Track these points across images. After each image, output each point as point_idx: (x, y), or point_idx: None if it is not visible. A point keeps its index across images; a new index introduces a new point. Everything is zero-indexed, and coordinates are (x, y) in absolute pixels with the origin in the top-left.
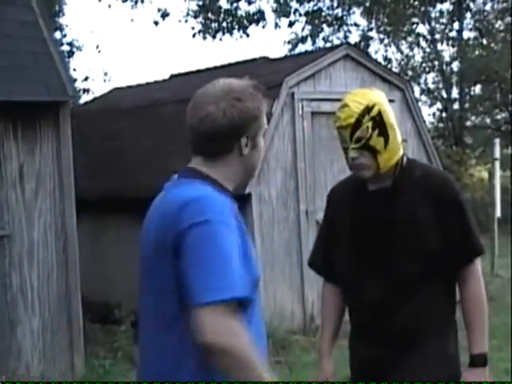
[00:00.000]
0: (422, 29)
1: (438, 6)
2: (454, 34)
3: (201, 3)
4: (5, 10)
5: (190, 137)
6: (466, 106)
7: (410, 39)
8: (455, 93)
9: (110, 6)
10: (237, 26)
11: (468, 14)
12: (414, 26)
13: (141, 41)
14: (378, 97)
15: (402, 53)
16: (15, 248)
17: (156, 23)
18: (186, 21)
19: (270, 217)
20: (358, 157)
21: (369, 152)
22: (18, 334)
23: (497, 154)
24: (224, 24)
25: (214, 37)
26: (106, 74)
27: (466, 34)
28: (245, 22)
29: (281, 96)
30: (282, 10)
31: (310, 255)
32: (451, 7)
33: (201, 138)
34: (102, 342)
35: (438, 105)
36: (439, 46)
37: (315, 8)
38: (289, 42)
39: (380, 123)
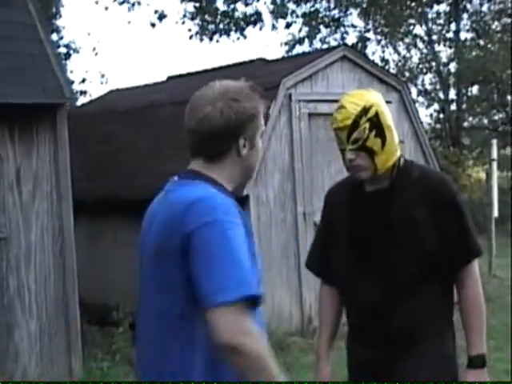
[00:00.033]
0: (419, 30)
1: (435, 7)
2: (450, 35)
3: (198, 5)
4: (1, 12)
5: (189, 139)
6: (464, 106)
7: (407, 40)
8: (452, 94)
9: (106, 8)
10: (234, 28)
11: (465, 15)
12: (411, 27)
13: (138, 43)
14: (375, 98)
15: (399, 54)
16: (12, 251)
17: (153, 25)
18: (183, 23)
19: (267, 218)
20: (355, 158)
21: (366, 153)
22: (15, 337)
23: (494, 154)
24: (221, 26)
25: (210, 38)
26: (103, 75)
27: (463, 35)
28: (242, 23)
29: (278, 97)
30: (279, 12)
31: (307, 256)
32: (448, 8)
33: (199, 140)
34: (100, 344)
35: (436, 106)
36: (436, 47)
37: (312, 9)
38: (286, 44)
39: (377, 124)
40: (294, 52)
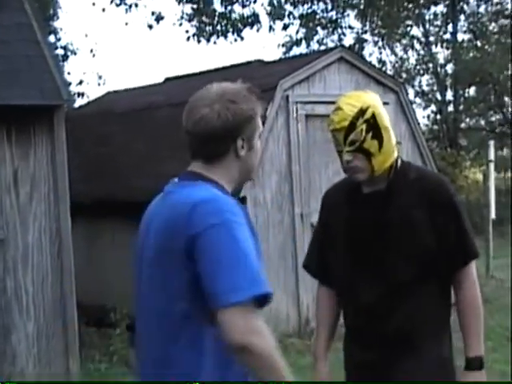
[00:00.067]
0: (417, 31)
1: (432, 9)
2: (448, 36)
3: (195, 6)
4: None
5: (188, 141)
6: (461, 108)
7: (404, 42)
8: (450, 95)
9: (104, 10)
10: (231, 29)
11: (462, 17)
12: (409, 29)
13: (135, 44)
14: (372, 99)
15: (396, 55)
16: (10, 252)
17: (150, 27)
18: (181, 24)
19: (264, 220)
20: (353, 160)
21: (363, 155)
22: (12, 338)
23: (491, 155)
24: (218, 27)
25: (208, 40)
26: (100, 77)
27: (460, 36)
28: (239, 25)
29: (275, 99)
30: (277, 13)
31: (304, 258)
32: (445, 9)
33: (197, 141)
34: (98, 345)
35: (433, 107)
36: (433, 49)
37: (309, 11)
38: (283, 45)
39: (374, 126)
40: (291, 53)
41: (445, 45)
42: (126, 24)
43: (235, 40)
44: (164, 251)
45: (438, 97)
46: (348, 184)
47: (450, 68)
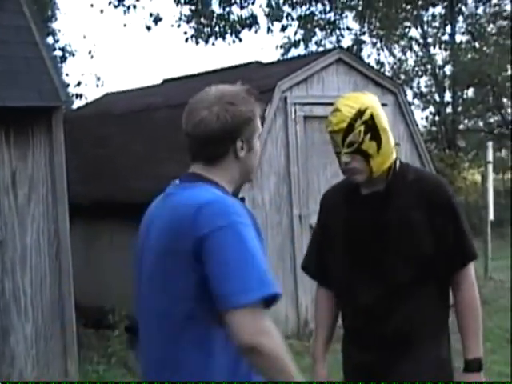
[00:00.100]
0: (415, 32)
1: (431, 10)
2: (446, 37)
3: (193, 8)
4: None
5: (187, 143)
6: (459, 109)
7: (402, 43)
8: (448, 96)
9: (102, 11)
10: (229, 31)
11: (460, 18)
12: (407, 30)
13: (133, 46)
14: (370, 101)
15: (394, 56)
16: (8, 254)
17: (148, 28)
18: (179, 25)
19: (263, 221)
20: (351, 161)
21: (361, 156)
22: (11, 340)
23: (490, 157)
24: (216, 29)
25: (206, 41)
26: (98, 79)
27: (459, 38)
28: (237, 26)
29: (273, 100)
30: (275, 15)
31: (303, 259)
32: (443, 11)
33: (197, 144)
34: (96, 347)
35: (431, 108)
36: (432, 50)
37: (308, 12)
38: (281, 47)
39: (372, 127)
40: (290, 55)
41: (443, 46)
42: (125, 25)
43: (233, 41)
44: (167, 252)
45: (437, 98)
46: (346, 185)
47: (448, 69)
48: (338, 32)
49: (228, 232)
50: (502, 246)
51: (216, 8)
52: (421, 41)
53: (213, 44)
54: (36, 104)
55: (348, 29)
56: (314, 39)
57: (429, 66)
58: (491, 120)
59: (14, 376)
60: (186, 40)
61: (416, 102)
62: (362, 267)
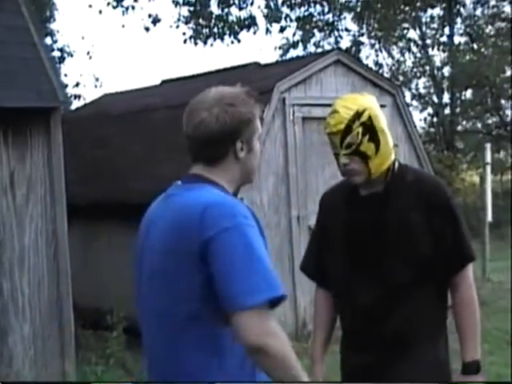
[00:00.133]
0: (413, 34)
1: (429, 12)
2: (444, 39)
3: (192, 9)
4: None
5: (188, 145)
6: (457, 110)
7: (400, 44)
8: (446, 98)
9: (100, 12)
10: (228, 32)
11: (459, 19)
12: (405, 31)
13: (132, 47)
14: (368, 102)
15: (392, 58)
16: (6, 254)
17: (147, 29)
18: (177, 26)
19: (261, 222)
20: (349, 162)
21: (360, 158)
22: (8, 340)
23: (488, 158)
24: (215, 29)
25: (205, 42)
26: (97, 79)
27: (457, 39)
28: (236, 27)
29: (272, 101)
30: (273, 16)
31: (302, 260)
32: (442, 12)
33: (197, 145)
34: (94, 348)
35: (429, 110)
36: (430, 51)
37: (306, 13)
38: (280, 48)
39: (370, 128)
40: (288, 56)
41: (441, 47)
42: (123, 26)
43: (232, 42)
44: (169, 253)
45: (435, 99)
46: (345, 186)
47: (446, 71)
48: (336, 33)
49: (234, 233)
50: (500, 248)
51: (214, 9)
52: (419, 42)
53: (211, 45)
54: (34, 105)
55: (346, 30)
56: (313, 40)
57: (427, 68)
58: (489, 121)
59: (12, 376)
60: (185, 41)
61: (414, 103)
62: (360, 268)
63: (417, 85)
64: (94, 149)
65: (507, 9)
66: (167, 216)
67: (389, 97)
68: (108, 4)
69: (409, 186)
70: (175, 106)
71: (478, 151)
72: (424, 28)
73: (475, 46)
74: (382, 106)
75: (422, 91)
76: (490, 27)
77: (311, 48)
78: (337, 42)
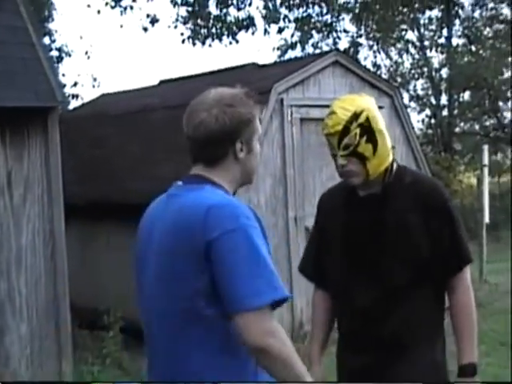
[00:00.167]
0: (411, 35)
1: (427, 13)
2: (442, 40)
3: (190, 9)
4: None
5: (188, 145)
6: (455, 112)
7: (399, 46)
8: (444, 99)
9: (99, 12)
10: (226, 32)
11: (457, 21)
12: (403, 33)
13: (130, 47)
14: (366, 103)
15: (391, 59)
16: (3, 254)
17: (145, 29)
18: (176, 27)
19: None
20: (347, 164)
21: (357, 159)
22: (5, 340)
23: (485, 160)
24: (213, 30)
25: (203, 43)
26: (95, 79)
27: (455, 41)
28: (234, 28)
29: (270, 102)
30: (272, 17)
31: (300, 261)
32: (440, 14)
33: (197, 146)
34: (91, 348)
35: (427, 111)
36: (428, 53)
37: (304, 14)
38: (278, 49)
39: (368, 130)
40: (286, 57)
41: (439, 49)
42: (121, 26)
43: (230, 43)
44: (173, 253)
45: (433, 101)
46: (343, 188)
47: (444, 72)
48: (334, 34)
49: (238, 235)
50: (497, 249)
51: (213, 9)
52: (417, 44)
53: (209, 45)
54: (32, 104)
55: (345, 31)
56: (311, 41)
57: (425, 69)
58: (487, 123)
59: (8, 376)
60: (183, 41)
61: (412, 104)
62: (359, 269)
63: (415, 86)
64: (92, 149)
65: (505, 11)
66: (169, 217)
67: (387, 98)
68: (106, 4)
69: (407, 188)
70: (173, 106)
71: (476, 153)
72: (422, 29)
73: (473, 48)
74: (380, 108)
75: (420, 93)
76: (488, 29)
77: (309, 49)
78: (335, 43)
